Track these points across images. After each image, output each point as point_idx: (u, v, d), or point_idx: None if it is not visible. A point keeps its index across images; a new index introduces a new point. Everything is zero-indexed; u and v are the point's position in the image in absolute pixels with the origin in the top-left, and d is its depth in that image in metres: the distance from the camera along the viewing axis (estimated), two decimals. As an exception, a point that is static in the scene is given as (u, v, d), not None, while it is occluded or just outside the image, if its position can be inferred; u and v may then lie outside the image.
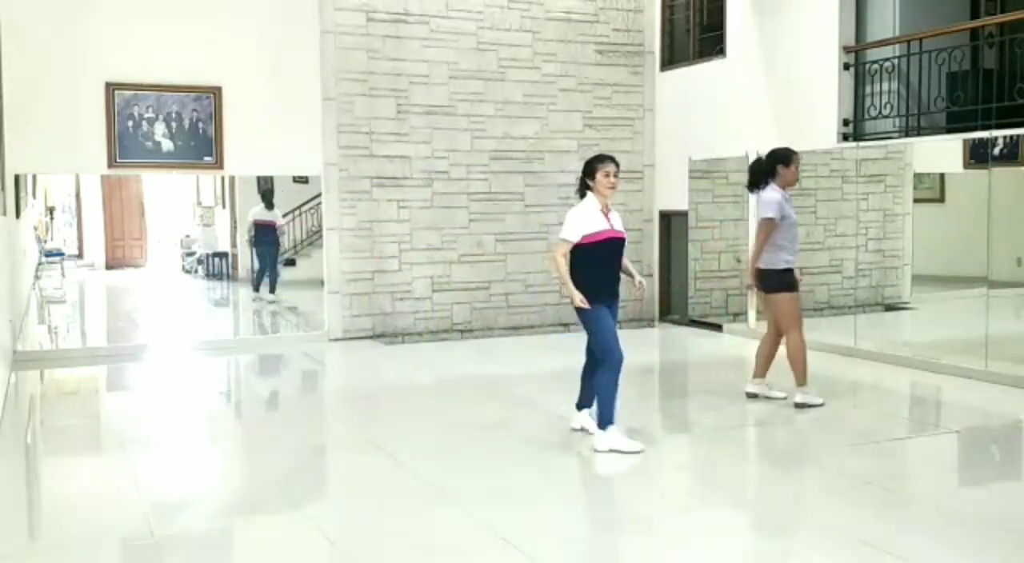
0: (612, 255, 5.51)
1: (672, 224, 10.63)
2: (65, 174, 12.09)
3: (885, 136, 8.44)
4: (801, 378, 6.30)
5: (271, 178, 10.87)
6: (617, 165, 5.51)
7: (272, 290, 11.12)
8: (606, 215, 5.48)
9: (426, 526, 4.27)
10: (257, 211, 11.18)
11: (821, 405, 6.30)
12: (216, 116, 8.94)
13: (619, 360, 5.39)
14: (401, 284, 9.64)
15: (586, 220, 5.44)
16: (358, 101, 9.34)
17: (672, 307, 10.71)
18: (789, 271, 6.31)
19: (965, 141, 8.21)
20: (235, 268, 12.30)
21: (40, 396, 7.65)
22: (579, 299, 5.36)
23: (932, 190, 10.06)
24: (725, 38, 9.66)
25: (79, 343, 10.33)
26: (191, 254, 13.52)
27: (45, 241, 13.11)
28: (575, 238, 5.42)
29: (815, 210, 9.99)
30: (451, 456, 5.44)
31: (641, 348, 9.38)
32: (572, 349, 8.98)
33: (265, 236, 11.24)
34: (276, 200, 11.13)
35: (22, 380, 7.72)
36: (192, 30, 8.82)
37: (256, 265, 11.59)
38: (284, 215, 11.20)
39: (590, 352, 5.70)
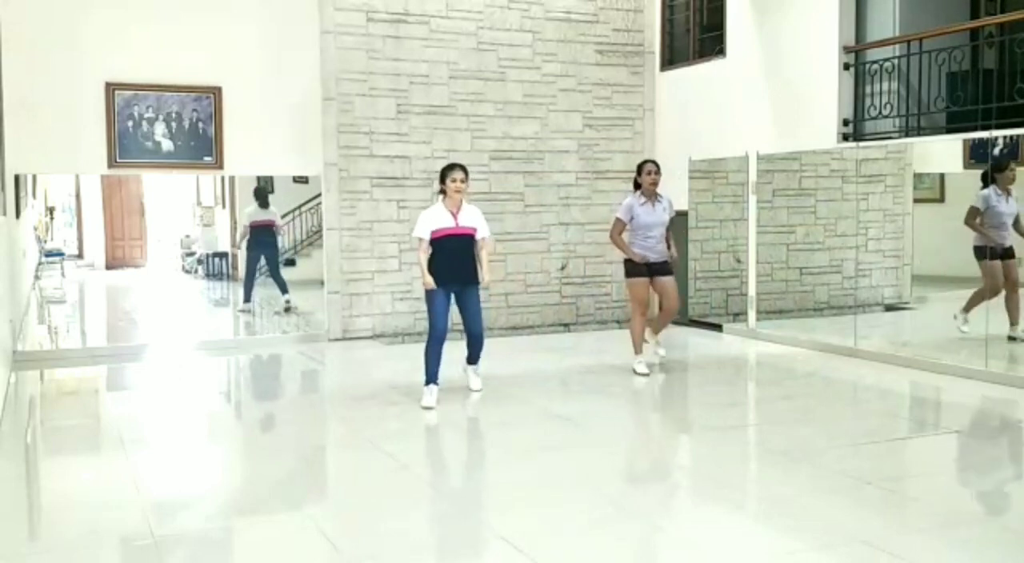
0: (456, 247, 6.43)
1: (672, 224, 10.59)
2: (65, 174, 12.11)
3: (885, 136, 8.44)
4: None
5: (266, 176, 10.71)
6: (465, 172, 6.45)
7: (284, 290, 10.78)
8: (454, 214, 6.44)
9: (426, 526, 4.27)
10: (252, 211, 10.81)
11: None
12: (216, 116, 8.94)
13: (438, 332, 6.46)
14: (401, 284, 9.64)
15: (432, 220, 6.44)
16: (358, 101, 9.34)
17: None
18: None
19: (965, 141, 8.21)
20: (235, 268, 12.28)
21: (40, 396, 7.64)
22: (427, 283, 6.38)
23: (932, 190, 10.05)
24: (725, 38, 9.66)
25: (79, 343, 10.32)
26: (191, 254, 13.51)
27: (45, 241, 13.11)
28: (425, 235, 6.42)
29: (815, 210, 10.00)
30: (450, 456, 5.44)
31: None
32: (571, 349, 9.05)
33: (263, 237, 10.81)
34: (276, 200, 10.92)
35: (22, 380, 7.72)
36: (192, 30, 8.82)
37: (245, 271, 10.92)
38: (283, 215, 11.03)
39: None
